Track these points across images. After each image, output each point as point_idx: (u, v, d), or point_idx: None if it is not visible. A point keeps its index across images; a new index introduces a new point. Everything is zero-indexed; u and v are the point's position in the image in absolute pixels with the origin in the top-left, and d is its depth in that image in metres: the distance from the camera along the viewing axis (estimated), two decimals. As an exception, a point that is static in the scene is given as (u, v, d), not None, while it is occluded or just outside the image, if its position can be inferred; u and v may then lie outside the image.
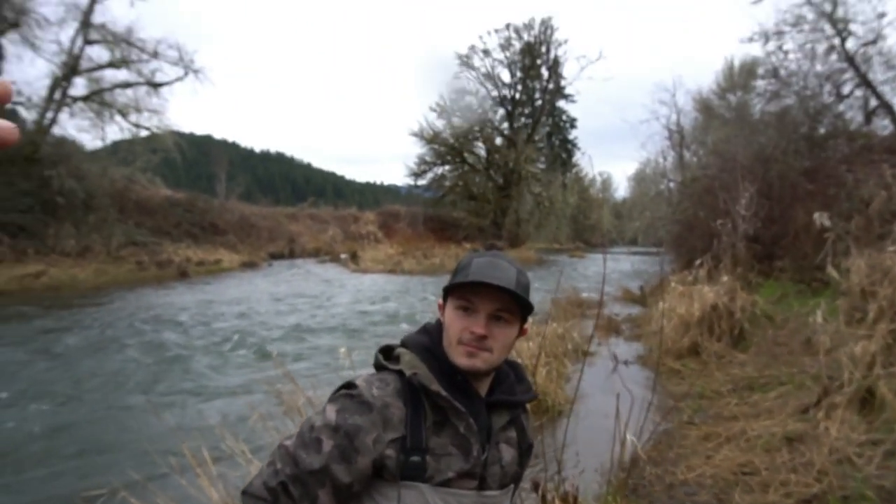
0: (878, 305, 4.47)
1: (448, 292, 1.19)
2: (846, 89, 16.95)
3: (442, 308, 1.21)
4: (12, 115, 21.51)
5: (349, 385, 1.14)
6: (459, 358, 1.14)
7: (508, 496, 1.23)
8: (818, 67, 17.06)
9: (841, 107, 17.00)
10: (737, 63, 28.41)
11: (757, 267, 12.02)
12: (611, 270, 22.56)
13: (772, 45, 18.56)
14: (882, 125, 16.31)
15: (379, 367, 1.19)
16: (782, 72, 19.14)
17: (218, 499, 3.01)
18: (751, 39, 18.63)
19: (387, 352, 1.22)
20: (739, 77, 28.83)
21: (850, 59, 16.32)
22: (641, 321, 10.93)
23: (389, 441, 1.08)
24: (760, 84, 21.98)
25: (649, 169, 41.42)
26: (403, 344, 1.21)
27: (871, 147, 12.14)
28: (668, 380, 6.77)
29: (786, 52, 18.62)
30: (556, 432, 4.64)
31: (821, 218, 5.75)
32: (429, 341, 1.20)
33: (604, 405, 5.18)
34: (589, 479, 3.45)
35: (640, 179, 44.25)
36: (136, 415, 5.79)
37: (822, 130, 16.68)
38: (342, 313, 12.97)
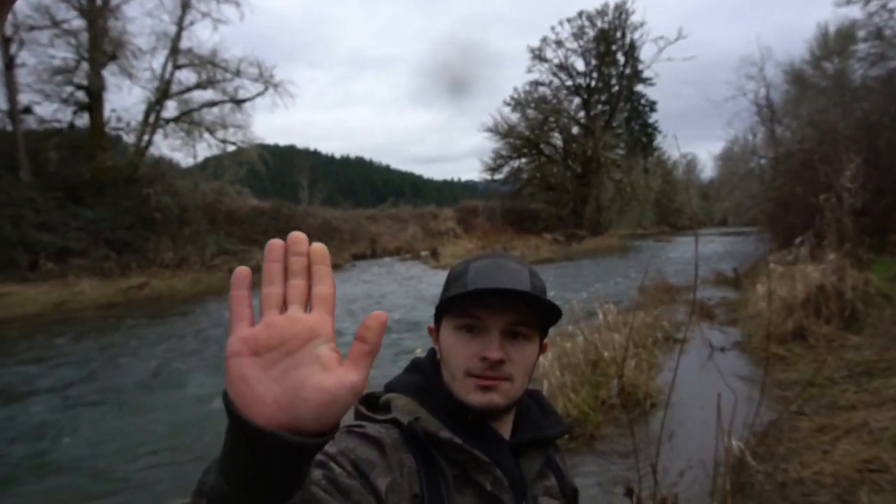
0: None
1: (442, 311, 0.93)
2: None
3: (435, 334, 0.95)
4: (116, 141, 23.27)
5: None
6: (471, 395, 0.87)
7: None
8: (929, 23, 15.52)
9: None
10: (832, 28, 26.30)
11: (867, 242, 11.01)
12: (700, 253, 21.47)
13: (874, 5, 17.06)
14: None
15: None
16: (887, 32, 17.58)
17: None
18: (848, 2, 17.22)
19: (370, 402, 0.93)
20: (836, 43, 26.69)
21: (966, 7, 14.72)
22: (736, 305, 10.25)
23: (410, 497, 0.78)
24: (862, 48, 20.34)
25: (737, 147, 39.26)
26: (390, 387, 0.94)
27: None
28: (773, 367, 6.24)
29: (891, 11, 17.07)
30: (649, 429, 4.34)
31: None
32: (422, 379, 0.93)
33: (699, 396, 4.83)
34: (689, 481, 3.17)
35: (727, 158, 42.03)
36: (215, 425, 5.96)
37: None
38: (422, 310, 13.00)
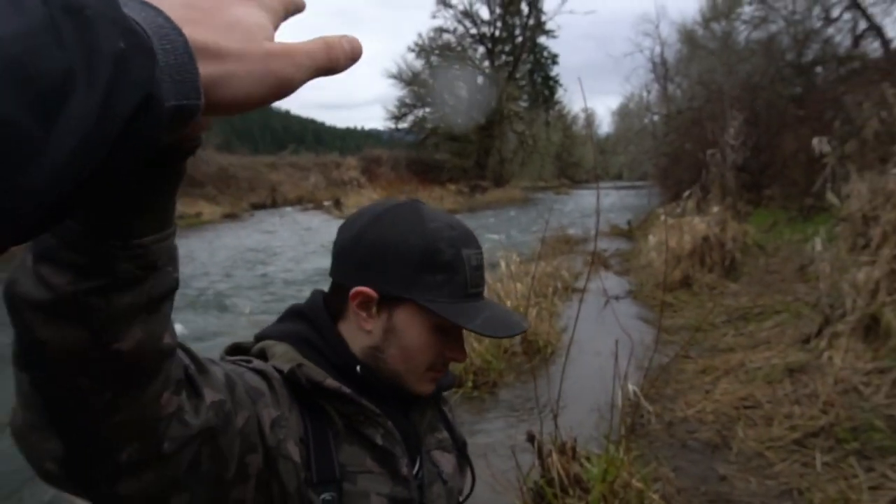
0: (882, 230, 4.28)
1: (410, 296, 0.78)
2: (835, 13, 16.46)
3: (376, 307, 0.80)
4: None
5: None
6: (423, 385, 0.82)
7: None
8: (807, -10, 16.56)
9: (830, 30, 16.56)
10: (721, -10, 27.52)
11: (746, 196, 11.88)
12: (597, 207, 22.41)
13: (758, -31, 17.94)
14: (872, 48, 15.97)
15: None
16: (769, -4, 18.57)
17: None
18: (735, -37, 17.98)
19: (239, 352, 0.82)
20: (723, 5, 28.01)
21: (839, -21, 15.81)
22: (630, 255, 10.80)
23: (297, 439, 0.71)
24: (746, 11, 21.40)
25: (633, 104, 40.88)
26: (264, 335, 0.83)
27: (864, 70, 11.81)
28: (662, 315, 6.65)
29: (773, -23, 18.00)
30: (550, 376, 4.49)
31: (820, 144, 5.50)
32: (306, 329, 0.82)
33: (596, 343, 5.03)
34: (587, 424, 3.30)
35: (624, 114, 43.74)
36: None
37: (809, 56, 16.33)
38: (322, 261, 12.73)
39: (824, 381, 3.45)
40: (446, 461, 0.88)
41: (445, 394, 0.98)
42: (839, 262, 4.45)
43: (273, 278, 10.82)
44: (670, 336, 5.63)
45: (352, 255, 0.81)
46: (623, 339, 3.06)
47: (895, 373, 3.33)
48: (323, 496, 0.71)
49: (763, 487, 2.81)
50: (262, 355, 0.78)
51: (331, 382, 0.74)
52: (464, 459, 0.94)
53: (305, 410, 0.74)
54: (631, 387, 2.78)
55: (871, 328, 3.75)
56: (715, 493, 2.79)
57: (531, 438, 2.67)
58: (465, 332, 0.81)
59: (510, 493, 2.52)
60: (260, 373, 0.71)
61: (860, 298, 3.85)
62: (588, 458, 2.65)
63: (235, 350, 0.82)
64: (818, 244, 4.53)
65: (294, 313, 0.86)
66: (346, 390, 0.75)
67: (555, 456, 2.54)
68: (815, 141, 5.52)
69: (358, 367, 0.80)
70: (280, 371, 0.73)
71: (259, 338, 0.83)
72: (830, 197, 5.13)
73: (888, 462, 2.76)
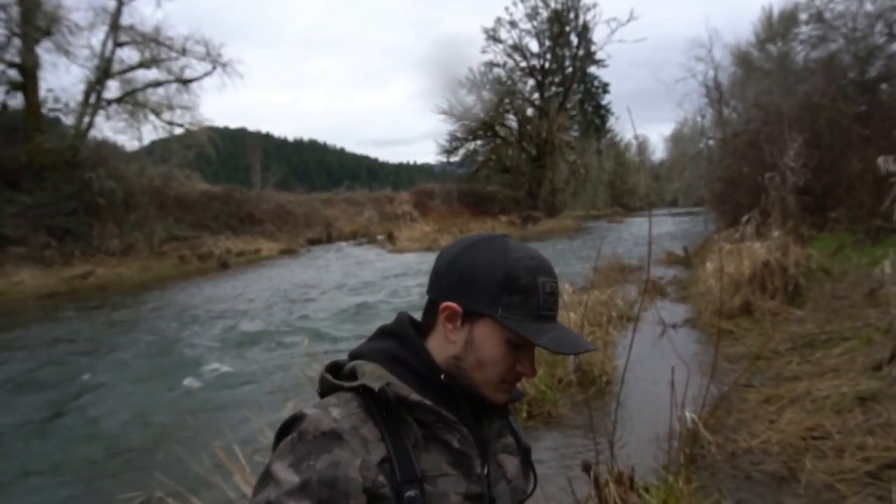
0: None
1: (490, 312, 0.90)
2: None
3: (460, 320, 0.93)
4: (54, 123, 22.14)
5: (293, 421, 0.86)
6: (498, 395, 0.95)
7: None
8: (868, 6, 16.03)
9: (894, 46, 15.98)
10: (776, 11, 27.02)
11: (809, 220, 11.45)
12: (652, 233, 21.99)
13: (815, -13, 17.56)
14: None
15: (329, 390, 0.93)
16: (827, 14, 18.12)
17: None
18: (791, -17, 17.68)
19: (335, 370, 0.96)
20: (779, 25, 27.43)
21: (902, -7, 15.30)
22: (687, 283, 10.53)
23: (378, 463, 0.83)
24: (803, 31, 20.91)
25: (687, 128, 40.11)
26: (357, 355, 0.96)
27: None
28: (722, 341, 6.44)
29: (831, -6, 17.58)
30: (605, 405, 4.42)
31: (886, 163, 5.30)
32: (393, 346, 0.95)
33: (653, 372, 4.93)
34: (644, 454, 3.23)
35: (677, 140, 42.93)
36: (171, 411, 5.81)
37: (873, 73, 15.78)
38: (378, 294, 12.92)
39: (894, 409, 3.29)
40: (511, 464, 0.99)
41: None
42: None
43: (321, 312, 11.06)
44: (731, 364, 5.46)
45: (445, 276, 0.94)
46: (680, 366, 3.01)
47: (976, 401, 3.14)
48: (408, 494, 0.83)
49: (833, 520, 2.68)
50: (353, 375, 0.91)
51: (415, 397, 0.87)
52: (527, 464, 1.04)
53: (384, 424, 0.86)
54: (689, 414, 2.72)
55: (947, 354, 3.56)
56: (782, 527, 2.68)
57: (587, 468, 2.64)
58: (536, 351, 0.94)
59: (566, 522, 2.50)
60: (328, 434, 0.82)
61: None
62: (647, 489, 2.60)
63: (333, 367, 0.96)
64: (888, 267, 4.34)
65: (383, 332, 0.99)
66: (428, 402, 0.88)
67: (611, 486, 2.51)
68: (880, 160, 5.32)
69: (442, 376, 0.93)
70: (370, 389, 0.86)
71: (352, 356, 0.96)
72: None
73: (971, 495, 2.59)
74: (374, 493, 0.81)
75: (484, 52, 45.68)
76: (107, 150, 22.40)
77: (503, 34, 41.37)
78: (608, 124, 51.63)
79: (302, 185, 50.34)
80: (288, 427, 0.86)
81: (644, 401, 4.56)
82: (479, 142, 41.83)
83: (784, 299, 7.19)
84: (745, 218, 9.73)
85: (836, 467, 3.07)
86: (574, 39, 42.25)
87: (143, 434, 5.18)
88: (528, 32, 41.66)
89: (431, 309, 0.96)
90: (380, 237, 29.04)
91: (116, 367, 7.72)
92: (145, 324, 10.60)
